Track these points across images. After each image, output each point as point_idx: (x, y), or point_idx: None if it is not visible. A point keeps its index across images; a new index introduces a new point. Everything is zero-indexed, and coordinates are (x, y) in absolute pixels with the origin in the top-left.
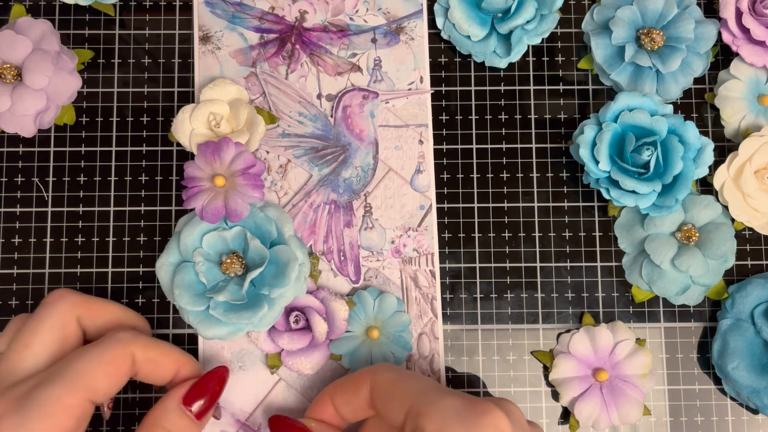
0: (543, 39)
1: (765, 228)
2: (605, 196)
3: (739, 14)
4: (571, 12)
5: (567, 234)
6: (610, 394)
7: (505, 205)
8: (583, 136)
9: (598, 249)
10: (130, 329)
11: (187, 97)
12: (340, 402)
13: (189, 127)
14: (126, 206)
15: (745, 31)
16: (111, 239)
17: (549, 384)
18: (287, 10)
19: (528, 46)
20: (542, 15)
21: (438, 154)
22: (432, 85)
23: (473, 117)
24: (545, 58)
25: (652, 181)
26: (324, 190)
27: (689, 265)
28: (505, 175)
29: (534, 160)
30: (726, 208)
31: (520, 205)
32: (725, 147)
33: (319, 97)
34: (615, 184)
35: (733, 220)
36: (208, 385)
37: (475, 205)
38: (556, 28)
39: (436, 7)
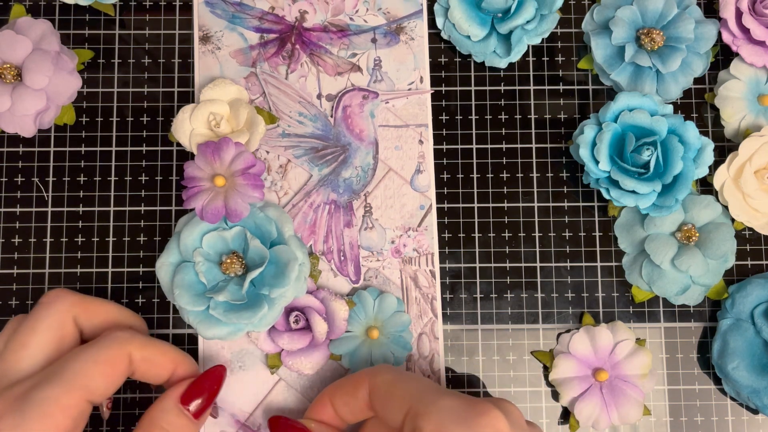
0: (543, 39)
1: (765, 228)
2: (605, 196)
3: (739, 14)
4: (571, 12)
5: (567, 234)
6: (610, 394)
7: (505, 205)
8: (583, 136)
9: (598, 249)
10: (126, 329)
11: (187, 97)
12: (340, 403)
13: (189, 127)
14: (126, 206)
15: (745, 31)
16: (111, 239)
17: (549, 384)
18: (287, 10)
19: (528, 46)
20: (542, 15)
21: (438, 154)
22: (432, 85)
23: (473, 117)
24: (545, 58)
25: (652, 181)
26: (324, 190)
27: (689, 265)
28: (505, 175)
29: (534, 160)
30: (726, 208)
31: (520, 205)
32: (725, 147)
33: (319, 97)
34: (615, 184)
35: (733, 220)
36: (206, 384)
37: (475, 205)
38: (556, 28)
39: (436, 7)
